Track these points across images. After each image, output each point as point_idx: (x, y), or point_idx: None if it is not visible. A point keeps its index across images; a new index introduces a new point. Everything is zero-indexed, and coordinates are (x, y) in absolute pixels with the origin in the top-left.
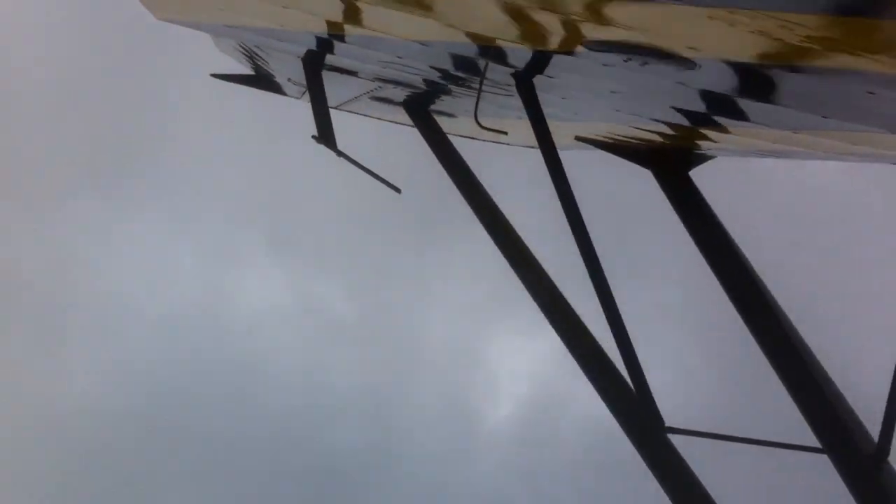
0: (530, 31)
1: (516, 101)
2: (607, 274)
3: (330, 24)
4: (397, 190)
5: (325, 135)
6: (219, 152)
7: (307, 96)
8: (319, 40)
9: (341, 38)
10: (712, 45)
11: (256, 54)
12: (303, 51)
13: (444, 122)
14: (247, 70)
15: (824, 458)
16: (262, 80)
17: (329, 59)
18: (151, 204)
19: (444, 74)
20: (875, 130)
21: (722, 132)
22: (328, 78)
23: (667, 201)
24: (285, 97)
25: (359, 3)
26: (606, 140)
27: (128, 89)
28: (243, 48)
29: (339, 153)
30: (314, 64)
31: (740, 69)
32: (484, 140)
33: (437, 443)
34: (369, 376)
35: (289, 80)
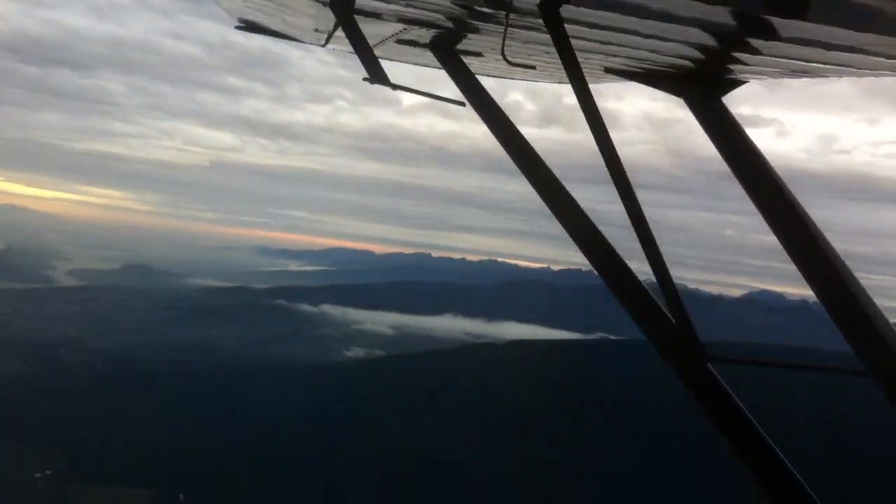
0: None
1: (544, 35)
2: (643, 204)
3: None
4: (462, 104)
5: (376, 73)
6: None
7: (334, 42)
8: None
9: None
10: None
11: (270, 9)
12: None
13: (472, 63)
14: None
15: (870, 381)
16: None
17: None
18: None
19: (470, 11)
20: None
21: (753, 53)
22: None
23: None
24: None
25: None
26: (637, 70)
27: None
28: (256, 6)
29: (395, 86)
30: (344, 7)
31: None
32: (514, 78)
33: None
34: None
35: (315, 30)
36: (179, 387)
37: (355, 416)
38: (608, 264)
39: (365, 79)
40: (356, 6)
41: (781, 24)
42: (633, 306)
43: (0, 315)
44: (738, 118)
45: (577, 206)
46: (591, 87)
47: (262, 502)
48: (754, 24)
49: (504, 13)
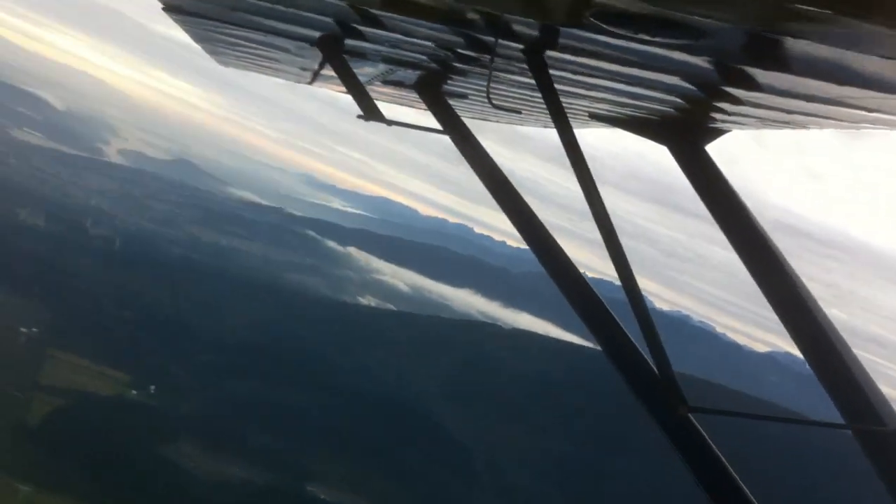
0: (538, 3)
1: (529, 80)
2: (627, 253)
3: (341, 5)
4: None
5: (370, 109)
6: None
7: (320, 80)
8: (334, 22)
9: (352, 20)
10: (723, 12)
11: (257, 52)
12: (315, 36)
13: (457, 105)
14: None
15: (848, 433)
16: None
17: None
18: None
19: (455, 54)
20: (891, 96)
21: (734, 104)
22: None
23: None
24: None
25: None
26: (621, 116)
27: None
28: (243, 51)
29: (390, 122)
30: (333, 48)
31: (751, 37)
32: (499, 121)
33: None
34: None
35: (302, 69)
36: (187, 283)
37: (343, 353)
38: (593, 313)
39: (359, 116)
40: (345, 48)
41: (762, 76)
42: (617, 356)
43: (41, 172)
44: (720, 167)
45: (562, 251)
46: (576, 132)
47: (231, 403)
48: (735, 74)
49: (489, 57)
